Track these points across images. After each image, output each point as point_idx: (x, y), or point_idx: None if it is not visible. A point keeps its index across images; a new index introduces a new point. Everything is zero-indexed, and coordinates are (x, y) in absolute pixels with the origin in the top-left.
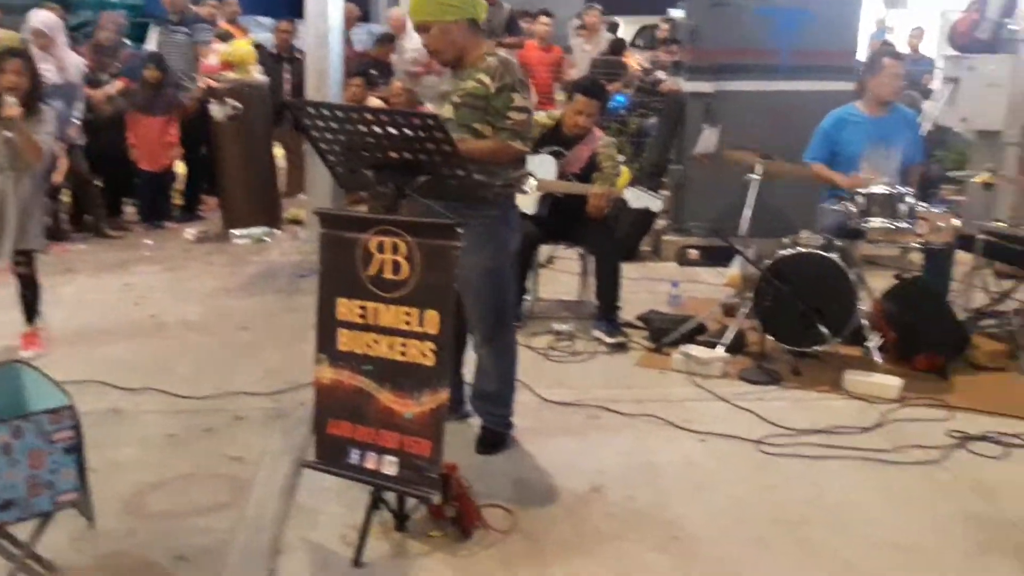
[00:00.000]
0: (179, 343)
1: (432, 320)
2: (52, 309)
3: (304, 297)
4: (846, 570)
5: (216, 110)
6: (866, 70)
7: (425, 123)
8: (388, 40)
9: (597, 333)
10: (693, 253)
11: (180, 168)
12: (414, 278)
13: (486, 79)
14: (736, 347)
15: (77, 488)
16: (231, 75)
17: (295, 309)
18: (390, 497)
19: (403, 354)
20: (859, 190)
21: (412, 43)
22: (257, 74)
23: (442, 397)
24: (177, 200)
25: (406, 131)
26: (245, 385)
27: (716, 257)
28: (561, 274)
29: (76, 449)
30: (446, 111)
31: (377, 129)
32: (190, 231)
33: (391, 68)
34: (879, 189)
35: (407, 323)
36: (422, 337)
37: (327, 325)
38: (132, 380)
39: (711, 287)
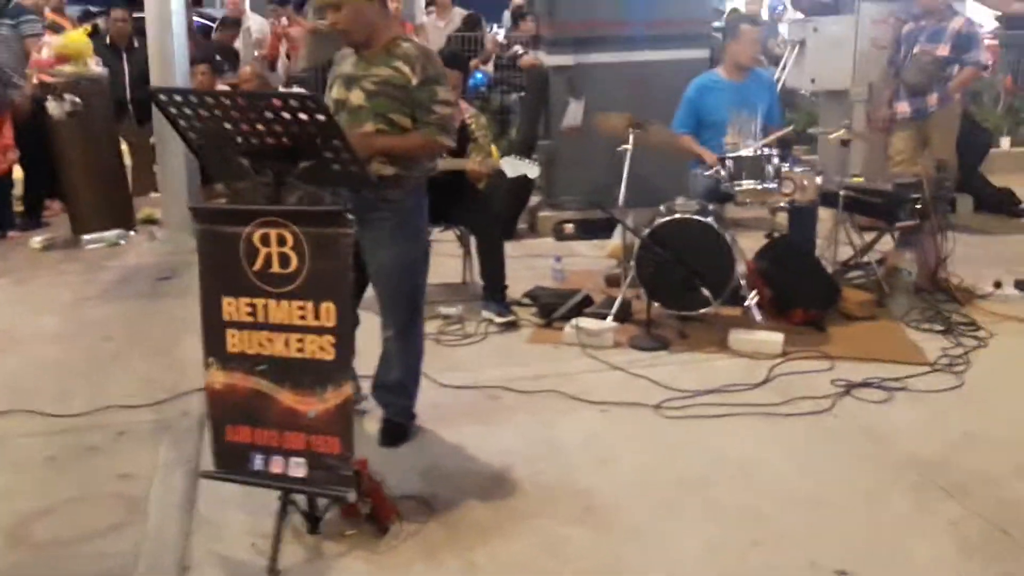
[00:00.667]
0: (39, 359)
1: (328, 312)
2: None
3: (169, 300)
4: (756, 523)
5: (54, 107)
6: (725, 37)
7: (305, 104)
8: (231, 24)
9: (486, 314)
10: (569, 227)
11: (17, 172)
12: (304, 270)
13: (405, 68)
14: (623, 316)
15: None
16: (67, 68)
17: (160, 313)
18: (299, 499)
19: (300, 350)
20: (728, 154)
21: (256, 25)
22: (95, 66)
23: (346, 392)
24: (17, 207)
25: (284, 114)
26: (120, 398)
27: (592, 230)
28: (439, 257)
29: None
30: (356, 97)
31: (251, 114)
32: (36, 239)
33: (236, 53)
34: (746, 152)
35: (302, 317)
36: (319, 331)
37: (213, 326)
38: None
39: (589, 259)
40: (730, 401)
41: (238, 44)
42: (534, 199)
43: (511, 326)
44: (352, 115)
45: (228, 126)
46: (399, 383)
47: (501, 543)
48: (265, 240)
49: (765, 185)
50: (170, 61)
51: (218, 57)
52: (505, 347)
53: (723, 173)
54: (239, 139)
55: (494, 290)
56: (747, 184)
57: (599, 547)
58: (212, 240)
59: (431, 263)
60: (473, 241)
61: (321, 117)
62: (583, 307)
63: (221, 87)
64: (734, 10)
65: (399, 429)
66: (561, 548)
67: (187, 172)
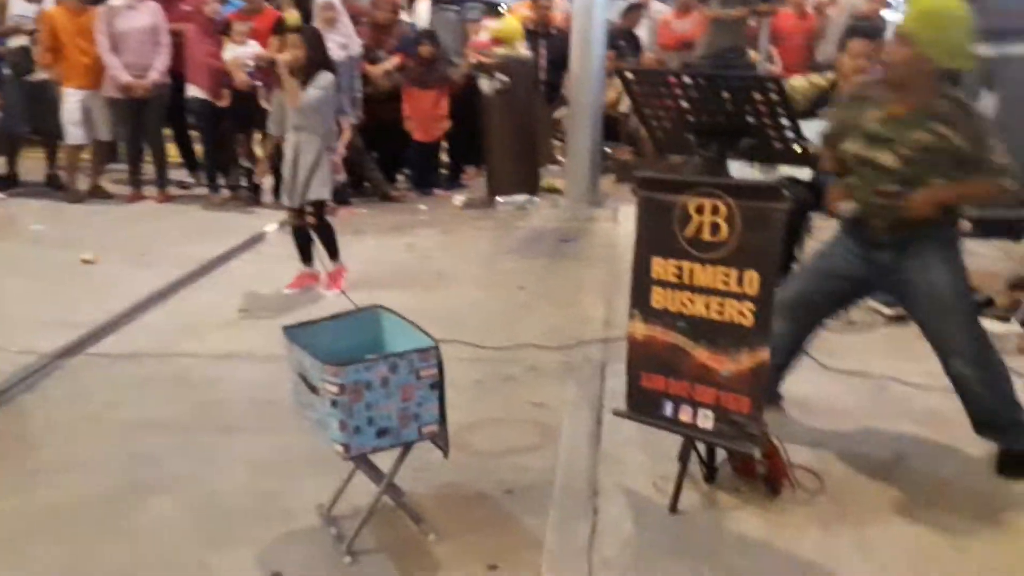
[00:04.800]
0: (466, 299)
1: (752, 281)
2: (349, 264)
3: (569, 261)
4: None
5: (485, 84)
6: None
7: (763, 85)
8: (636, 8)
9: (875, 304)
10: (965, 225)
11: None
12: (734, 239)
13: (947, 131)
14: None
15: (438, 421)
16: (500, 51)
17: (563, 271)
18: (700, 449)
19: (720, 313)
20: None
21: (658, 7)
22: (523, 50)
23: (762, 356)
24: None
25: (738, 94)
26: (532, 338)
27: (993, 230)
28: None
29: (438, 386)
30: (886, 159)
31: (707, 93)
32: (458, 198)
33: (638, 40)
34: None
35: (725, 283)
36: (740, 297)
37: (641, 283)
38: (433, 331)
39: (988, 260)
40: None
41: (640, 30)
42: None
43: (900, 319)
44: (877, 172)
45: (683, 104)
46: (996, 415)
47: (896, 527)
48: (700, 209)
49: None
50: (590, 46)
51: (622, 43)
52: (894, 339)
53: None
54: (691, 117)
55: None
56: None
57: (1005, 548)
58: (651, 206)
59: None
60: None
61: (775, 96)
62: (984, 308)
63: None
64: None
65: (1019, 458)
66: (962, 542)
67: (591, 150)
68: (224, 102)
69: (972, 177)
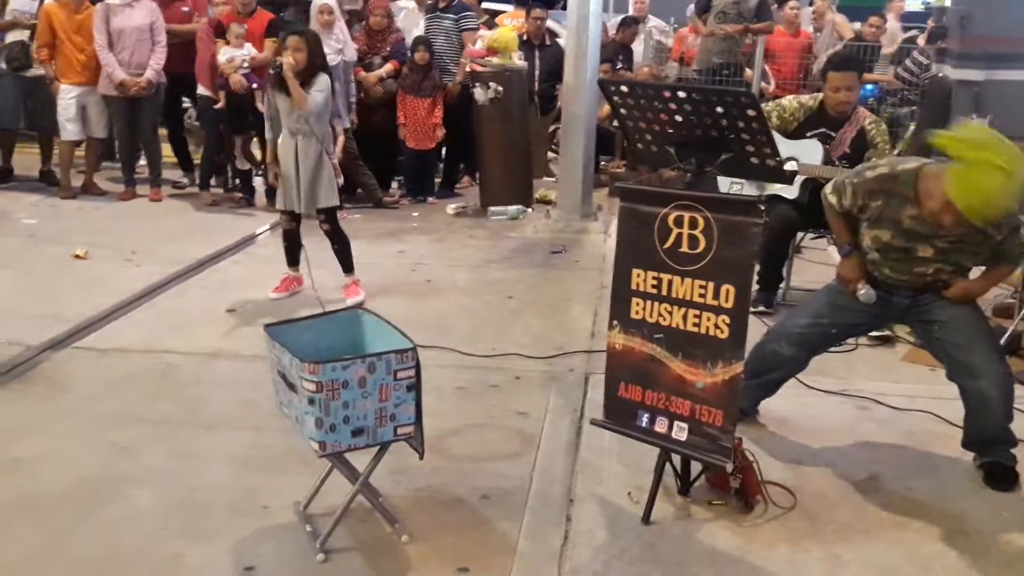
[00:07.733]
0: (456, 306)
1: (728, 294)
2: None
3: (558, 271)
4: None
5: (479, 93)
6: None
7: (739, 100)
8: (632, 23)
9: None
10: None
11: None
12: (711, 253)
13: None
14: (1012, 348)
15: (414, 423)
16: (495, 60)
17: (552, 282)
18: (675, 461)
19: (696, 325)
20: None
21: (654, 22)
22: (518, 60)
23: (736, 369)
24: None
25: (717, 108)
26: (518, 348)
27: None
28: (809, 263)
29: (415, 387)
30: (923, 251)
31: (687, 107)
32: (451, 207)
33: (632, 53)
34: None
35: (702, 296)
36: (717, 310)
37: (621, 293)
38: (420, 337)
39: None
40: None
41: (637, 44)
42: None
43: (885, 341)
44: (911, 258)
45: (663, 116)
46: (998, 433)
47: (865, 545)
48: (679, 222)
49: None
50: (584, 58)
51: (620, 57)
52: (877, 361)
53: None
54: (670, 129)
55: None
56: None
57: (972, 570)
58: (632, 217)
59: (799, 267)
60: None
61: (752, 112)
62: None
63: None
64: None
65: (1009, 472)
66: (930, 563)
67: (583, 162)
68: (219, 104)
69: (999, 262)
